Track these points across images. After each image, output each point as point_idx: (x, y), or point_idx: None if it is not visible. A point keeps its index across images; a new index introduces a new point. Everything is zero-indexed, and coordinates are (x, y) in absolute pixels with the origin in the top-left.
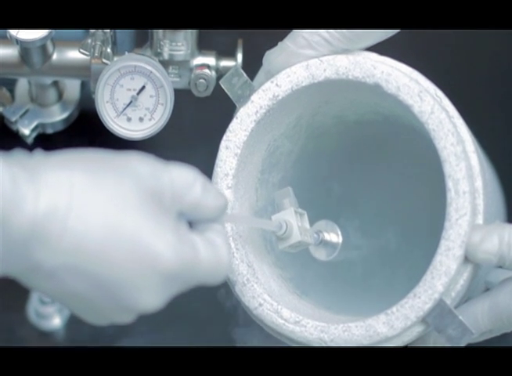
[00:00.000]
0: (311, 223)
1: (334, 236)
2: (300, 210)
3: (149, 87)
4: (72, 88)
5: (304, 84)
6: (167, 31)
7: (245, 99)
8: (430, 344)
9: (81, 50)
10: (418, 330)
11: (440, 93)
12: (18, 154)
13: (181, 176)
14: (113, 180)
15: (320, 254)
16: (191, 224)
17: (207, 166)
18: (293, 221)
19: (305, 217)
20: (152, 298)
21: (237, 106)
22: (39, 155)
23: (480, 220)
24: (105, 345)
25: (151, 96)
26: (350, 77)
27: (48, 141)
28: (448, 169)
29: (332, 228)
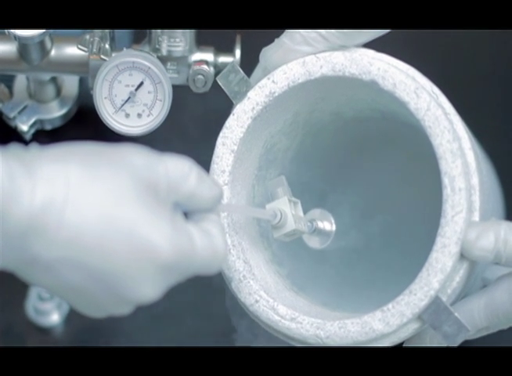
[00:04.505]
0: (305, 213)
1: (328, 225)
2: (294, 199)
3: (147, 83)
4: (70, 84)
5: (300, 81)
6: None
7: (242, 95)
8: (427, 341)
9: (80, 46)
10: (414, 327)
11: (436, 90)
12: (14, 148)
13: (176, 167)
14: (108, 172)
15: (314, 243)
16: (186, 214)
17: (205, 162)
18: (287, 209)
19: (299, 206)
20: (149, 289)
21: (234, 102)
22: (35, 149)
23: (476, 217)
24: (103, 345)
25: (149, 92)
26: (346, 73)
27: (46, 137)
28: (444, 166)
29: (325, 216)
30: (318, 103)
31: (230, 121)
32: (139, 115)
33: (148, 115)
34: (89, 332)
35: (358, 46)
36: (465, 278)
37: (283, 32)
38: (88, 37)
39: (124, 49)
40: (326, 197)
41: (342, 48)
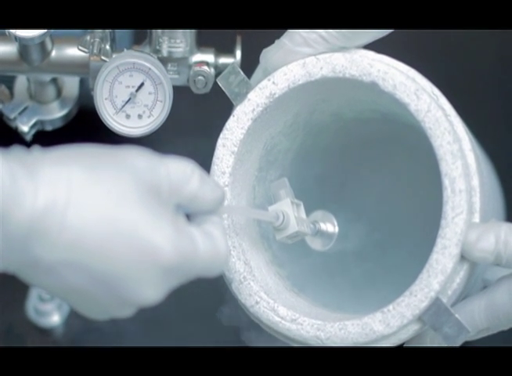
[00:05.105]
0: (308, 215)
1: (330, 227)
2: (296, 200)
3: (147, 84)
4: (71, 85)
5: (300, 82)
6: None
7: (242, 97)
8: (427, 342)
9: (80, 47)
10: (414, 328)
11: (437, 91)
12: (16, 151)
13: (178, 169)
14: (110, 175)
15: (316, 245)
16: (189, 216)
17: (206, 163)
18: (289, 211)
19: (302, 207)
20: (151, 292)
21: (234, 104)
22: (37, 151)
23: (476, 218)
24: (103, 345)
25: (150, 93)
26: (347, 75)
27: (47, 138)
28: (444, 167)
29: (328, 218)
30: (318, 104)
31: (230, 123)
32: (140, 116)
33: (148, 116)
34: (89, 333)
35: (358, 47)
36: (465, 279)
37: (283, 33)
38: (88, 38)
39: (125, 50)
40: (326, 197)
41: (342, 49)
